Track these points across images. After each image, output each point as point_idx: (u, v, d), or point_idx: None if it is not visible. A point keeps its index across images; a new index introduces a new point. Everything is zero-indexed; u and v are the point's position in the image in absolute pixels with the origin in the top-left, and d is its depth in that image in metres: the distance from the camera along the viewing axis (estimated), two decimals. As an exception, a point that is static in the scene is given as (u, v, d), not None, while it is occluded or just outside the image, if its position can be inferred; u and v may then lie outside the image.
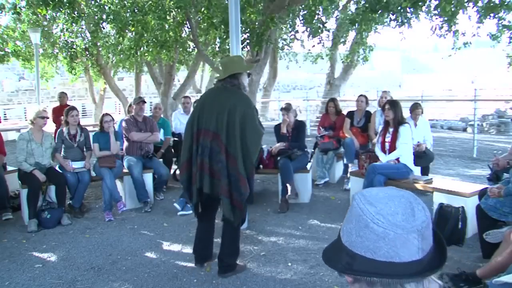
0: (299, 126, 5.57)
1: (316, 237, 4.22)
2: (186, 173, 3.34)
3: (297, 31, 10.87)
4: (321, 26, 9.53)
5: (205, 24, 9.04)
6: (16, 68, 23.76)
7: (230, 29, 4.33)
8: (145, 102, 5.97)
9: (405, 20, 8.73)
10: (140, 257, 3.84)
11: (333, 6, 10.60)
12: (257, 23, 8.19)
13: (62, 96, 9.13)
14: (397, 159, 4.68)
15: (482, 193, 3.71)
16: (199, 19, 9.45)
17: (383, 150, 4.79)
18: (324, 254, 0.99)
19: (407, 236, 0.86)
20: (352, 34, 12.47)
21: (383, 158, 4.74)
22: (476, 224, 3.68)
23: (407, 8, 7.79)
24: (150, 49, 9.58)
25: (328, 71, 14.99)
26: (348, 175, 5.80)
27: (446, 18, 8.25)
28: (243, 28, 7.82)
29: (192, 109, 6.70)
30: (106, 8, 9.32)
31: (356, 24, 9.45)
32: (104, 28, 11.49)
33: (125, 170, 5.44)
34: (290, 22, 10.36)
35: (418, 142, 5.18)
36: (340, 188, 5.98)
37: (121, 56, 12.52)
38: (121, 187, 5.45)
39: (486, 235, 3.12)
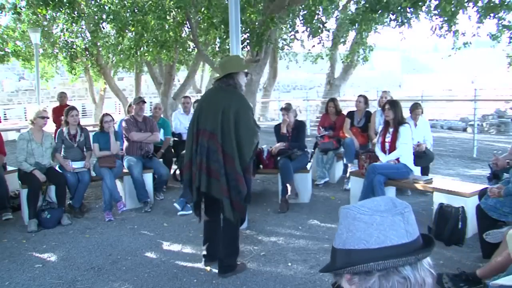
0: (299, 126, 5.57)
1: (316, 237, 4.22)
2: (188, 173, 3.41)
3: (297, 31, 10.86)
4: (321, 26, 9.52)
5: (205, 24, 9.04)
6: (16, 68, 23.76)
7: (230, 29, 4.33)
8: (145, 102, 5.97)
9: (405, 20, 8.73)
10: (140, 257, 3.84)
11: (333, 6, 10.59)
12: (257, 23, 8.19)
13: (62, 96, 9.13)
14: (397, 159, 4.68)
15: (482, 193, 3.71)
16: (199, 19, 9.45)
17: (383, 150, 4.79)
18: (321, 271, 1.05)
19: (393, 218, 0.93)
20: (352, 34, 12.47)
21: (383, 158, 4.74)
22: (476, 224, 3.68)
23: (407, 8, 7.79)
24: (150, 49, 9.58)
25: (328, 71, 14.99)
26: (348, 175, 5.80)
27: (446, 18, 8.24)
28: (243, 28, 7.82)
29: (192, 109, 6.72)
30: (106, 8, 9.31)
31: (356, 24, 9.44)
32: (104, 28, 11.49)
33: (125, 170, 5.44)
34: (290, 22, 10.35)
35: (418, 142, 5.18)
36: (340, 188, 5.98)
37: (121, 56, 12.52)
38: (121, 187, 5.45)
39: (486, 235, 3.12)
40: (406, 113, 5.13)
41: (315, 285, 3.21)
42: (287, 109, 5.51)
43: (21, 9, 10.35)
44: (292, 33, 11.14)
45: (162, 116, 6.85)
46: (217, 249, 3.50)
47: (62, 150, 5.18)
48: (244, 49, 8.23)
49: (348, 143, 5.89)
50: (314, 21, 9.45)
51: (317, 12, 9.54)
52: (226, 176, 3.16)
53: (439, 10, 7.83)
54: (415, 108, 5.57)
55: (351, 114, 6.27)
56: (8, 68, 23.55)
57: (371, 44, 12.80)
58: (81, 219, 4.98)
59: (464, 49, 9.38)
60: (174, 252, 3.96)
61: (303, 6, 9.30)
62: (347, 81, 15.09)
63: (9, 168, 5.64)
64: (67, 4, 8.63)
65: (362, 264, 0.91)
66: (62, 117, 5.41)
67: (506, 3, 7.52)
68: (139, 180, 5.31)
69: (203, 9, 8.59)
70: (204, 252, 3.60)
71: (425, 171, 5.38)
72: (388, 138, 4.75)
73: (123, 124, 5.75)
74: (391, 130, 4.72)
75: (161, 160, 6.06)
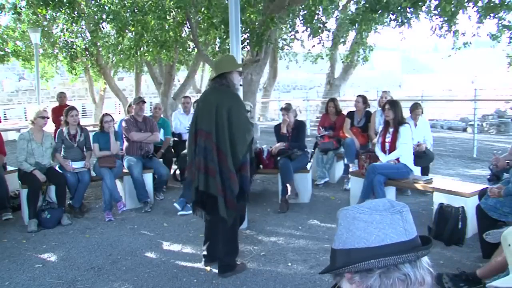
0: (299, 126, 5.57)
1: (316, 237, 4.22)
2: (190, 174, 3.44)
3: (297, 31, 10.86)
4: (321, 26, 9.52)
5: (205, 24, 9.03)
6: (16, 68, 23.74)
7: (230, 29, 4.33)
8: (145, 102, 5.98)
9: (405, 20, 8.72)
10: (140, 257, 3.84)
11: (333, 6, 10.59)
12: (257, 23, 8.19)
13: (62, 96, 9.12)
14: (397, 159, 4.68)
15: (482, 193, 3.71)
16: (199, 19, 9.45)
17: (383, 150, 4.79)
18: (321, 272, 1.08)
19: (392, 216, 0.95)
20: (352, 34, 12.47)
21: (383, 158, 4.74)
22: (476, 224, 3.68)
23: (407, 8, 7.79)
24: (150, 49, 9.58)
25: (328, 71, 14.98)
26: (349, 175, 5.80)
27: (446, 18, 8.24)
28: (243, 28, 7.82)
29: (192, 109, 6.72)
30: (106, 8, 9.30)
31: (356, 24, 9.44)
32: (104, 28, 11.48)
33: (125, 170, 5.44)
34: (290, 22, 10.35)
35: (418, 142, 5.18)
36: (340, 188, 5.98)
37: (121, 56, 12.50)
38: (121, 187, 5.45)
39: (486, 235, 3.11)
40: (406, 113, 5.13)
41: (315, 285, 3.21)
42: (287, 109, 5.51)
43: (21, 9, 10.34)
44: (292, 33, 11.14)
45: (162, 116, 6.86)
46: (217, 249, 3.50)
47: (62, 150, 5.18)
48: (244, 49, 8.23)
49: (349, 143, 5.89)
50: (314, 21, 9.45)
51: (317, 12, 9.54)
52: (221, 174, 3.21)
53: (439, 10, 7.83)
54: (415, 108, 5.57)
55: (351, 114, 6.27)
56: (8, 68, 23.53)
57: (371, 44, 12.80)
58: (81, 219, 4.98)
59: (464, 49, 9.37)
60: (174, 252, 3.96)
61: (303, 6, 9.30)
62: (347, 81, 15.09)
63: (9, 168, 5.64)
64: (67, 4, 8.63)
65: (363, 262, 0.92)
66: (62, 117, 5.41)
67: (506, 3, 7.52)
68: (139, 180, 5.31)
69: (203, 9, 8.59)
70: (204, 252, 3.60)
71: (425, 171, 5.38)
72: (388, 138, 4.75)
73: (123, 124, 5.75)
74: (391, 130, 4.72)
75: (161, 160, 6.06)
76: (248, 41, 8.06)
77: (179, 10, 8.46)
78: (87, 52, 13.98)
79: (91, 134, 5.53)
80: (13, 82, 23.46)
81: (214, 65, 3.56)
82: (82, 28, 13.20)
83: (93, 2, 10.23)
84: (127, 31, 9.55)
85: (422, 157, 5.14)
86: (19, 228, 4.71)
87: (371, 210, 0.96)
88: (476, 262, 3.47)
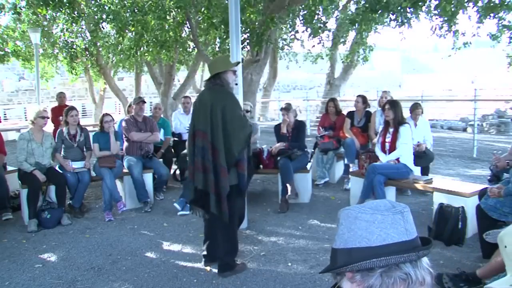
0: (299, 126, 5.57)
1: (316, 237, 4.22)
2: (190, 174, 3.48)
3: (297, 31, 10.85)
4: (321, 26, 9.52)
5: (205, 24, 9.03)
6: (16, 68, 23.72)
7: (230, 29, 4.33)
8: (145, 102, 5.98)
9: (405, 20, 8.72)
10: (140, 257, 3.84)
11: (333, 6, 10.59)
12: (257, 23, 8.18)
13: (61, 96, 9.11)
14: (397, 159, 4.68)
15: (482, 193, 3.71)
16: (199, 19, 9.44)
17: (383, 150, 4.79)
18: (322, 272, 1.08)
19: (393, 216, 0.96)
20: (352, 34, 12.46)
21: (383, 158, 4.74)
22: (476, 224, 3.68)
23: (407, 8, 7.78)
24: (150, 49, 9.58)
25: (328, 71, 14.98)
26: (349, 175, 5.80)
27: (446, 18, 8.24)
28: (243, 28, 7.82)
29: (192, 109, 6.72)
30: (106, 8, 9.30)
31: (356, 24, 9.43)
32: (104, 28, 11.48)
33: (125, 170, 5.44)
34: (290, 22, 10.35)
35: (418, 142, 5.18)
36: (340, 188, 5.98)
37: (121, 56, 12.50)
38: (121, 187, 5.45)
39: (486, 235, 3.12)
40: (406, 113, 5.13)
41: (315, 285, 3.21)
42: (287, 109, 5.51)
43: (21, 9, 10.34)
44: (292, 33, 11.13)
45: (162, 116, 6.86)
46: (217, 249, 3.51)
47: (62, 150, 5.18)
48: (244, 49, 8.23)
49: (349, 143, 5.89)
50: (314, 21, 9.45)
51: (317, 12, 9.54)
52: (215, 172, 3.24)
53: (439, 10, 7.82)
54: (415, 108, 5.57)
55: (351, 114, 6.27)
56: (8, 68, 23.52)
57: (371, 44, 12.80)
58: (81, 219, 4.98)
59: (464, 49, 9.37)
60: (174, 252, 3.96)
61: (303, 6, 9.29)
62: (347, 81, 15.08)
63: (9, 168, 5.64)
64: (67, 4, 8.63)
65: (364, 261, 0.93)
66: (61, 117, 5.41)
67: (506, 3, 7.51)
68: (139, 180, 5.31)
69: (203, 9, 8.59)
70: (204, 252, 3.60)
71: (425, 171, 5.38)
72: (388, 138, 4.75)
73: (123, 124, 5.75)
74: (391, 130, 4.72)
75: (161, 160, 6.06)
76: (248, 41, 8.06)
77: (179, 10, 8.45)
78: (87, 52, 13.97)
79: (91, 134, 5.53)
80: (13, 82, 23.45)
81: (209, 66, 3.60)
82: (82, 28, 13.19)
83: (93, 2, 10.23)
84: (127, 31, 9.55)
85: (422, 157, 5.14)
86: (19, 228, 4.71)
87: (373, 210, 0.97)
88: (476, 262, 3.47)
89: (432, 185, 4.45)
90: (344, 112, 6.54)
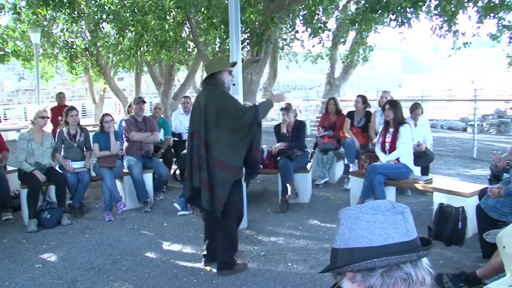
0: (299, 126, 5.57)
1: (316, 237, 4.22)
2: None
3: (297, 31, 10.86)
4: (321, 26, 9.52)
5: (205, 24, 9.03)
6: (16, 68, 23.69)
7: (230, 29, 4.33)
8: (145, 102, 5.98)
9: (405, 20, 8.72)
10: (140, 257, 3.84)
11: (333, 6, 10.59)
12: (257, 23, 8.19)
13: (60, 96, 9.11)
14: (397, 159, 4.68)
15: (482, 193, 3.71)
16: (199, 19, 9.45)
17: (383, 150, 4.79)
18: (322, 271, 1.08)
19: (394, 216, 0.96)
20: (352, 34, 12.46)
21: (383, 158, 4.74)
22: (476, 224, 3.68)
23: (407, 8, 7.78)
24: (150, 49, 9.58)
25: (328, 71, 14.97)
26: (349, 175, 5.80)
27: (446, 18, 8.24)
28: (243, 28, 7.82)
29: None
30: (106, 8, 9.30)
31: (356, 24, 9.44)
32: (104, 28, 11.48)
33: (125, 170, 5.44)
34: (290, 22, 10.35)
35: (418, 142, 5.18)
36: (340, 188, 5.98)
37: (121, 56, 12.50)
38: (121, 187, 5.45)
39: (486, 235, 3.12)
40: (406, 113, 5.13)
41: (315, 285, 3.21)
42: (287, 109, 5.51)
43: (21, 9, 10.34)
44: (292, 33, 11.14)
45: (162, 116, 6.86)
46: (217, 249, 3.51)
47: (62, 150, 5.18)
48: (244, 49, 8.23)
49: (349, 143, 5.89)
50: (314, 21, 9.45)
51: (317, 12, 9.54)
52: (208, 169, 3.27)
53: (439, 10, 7.83)
54: (415, 108, 5.57)
55: (351, 114, 6.26)
56: (8, 68, 23.49)
57: (371, 44, 12.79)
58: (81, 219, 4.98)
59: (464, 49, 9.36)
60: (174, 252, 3.96)
61: (303, 6, 9.29)
62: (347, 81, 15.07)
63: (9, 168, 5.63)
64: (67, 4, 8.64)
65: (365, 261, 0.93)
66: (60, 117, 5.41)
67: (506, 3, 7.52)
68: (139, 180, 5.31)
69: (203, 9, 8.59)
70: (204, 252, 3.60)
71: (425, 171, 5.38)
72: (388, 138, 4.75)
73: (123, 124, 5.75)
74: (391, 130, 4.72)
75: (161, 160, 6.06)
76: (248, 41, 8.06)
77: (179, 10, 8.46)
78: (87, 52, 13.96)
79: (91, 134, 5.53)
80: (13, 82, 23.42)
81: (205, 67, 3.64)
82: (82, 28, 13.18)
83: (93, 2, 10.23)
84: (127, 31, 9.55)
85: (422, 157, 5.14)
86: (19, 228, 4.71)
87: (374, 210, 0.97)
88: (476, 262, 3.47)
89: (432, 185, 4.45)
90: (344, 112, 6.54)
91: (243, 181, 3.65)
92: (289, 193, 5.06)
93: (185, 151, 5.17)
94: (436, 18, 8.77)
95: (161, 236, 4.39)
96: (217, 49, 10.55)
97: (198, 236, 4.22)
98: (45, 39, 13.95)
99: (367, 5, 8.17)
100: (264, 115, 3.42)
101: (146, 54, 10.07)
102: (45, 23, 13.58)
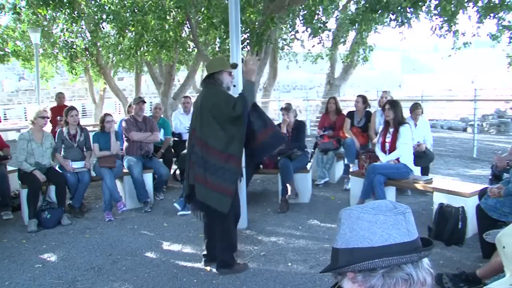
0: (299, 126, 5.58)
1: (316, 237, 4.22)
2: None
3: (297, 31, 10.86)
4: (322, 26, 9.51)
5: (205, 24, 9.03)
6: (16, 68, 23.70)
7: (230, 29, 4.33)
8: (145, 102, 5.98)
9: (405, 20, 8.71)
10: (140, 257, 3.84)
11: (333, 6, 10.58)
12: (257, 23, 8.19)
13: (60, 96, 9.10)
14: (397, 159, 4.68)
15: (482, 193, 3.71)
16: (199, 19, 9.44)
17: (383, 150, 4.79)
18: (323, 271, 1.07)
19: (395, 217, 0.96)
20: (352, 34, 12.45)
21: (383, 158, 4.74)
22: (476, 224, 3.68)
23: (407, 8, 7.78)
24: (150, 49, 9.57)
25: (328, 71, 14.96)
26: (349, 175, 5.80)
27: (446, 18, 8.23)
28: (243, 28, 7.82)
29: (192, 109, 6.72)
30: (106, 8, 9.30)
31: (356, 24, 9.43)
32: (104, 28, 11.47)
33: (125, 170, 5.44)
34: (290, 22, 10.35)
35: (418, 142, 5.18)
36: (340, 188, 5.98)
37: (121, 56, 12.49)
38: (121, 187, 5.45)
39: (486, 235, 3.12)
40: (406, 113, 5.13)
41: (315, 285, 3.21)
42: (287, 109, 5.51)
43: (21, 9, 10.33)
44: (292, 33, 11.13)
45: (162, 116, 6.86)
46: (216, 248, 3.51)
47: (62, 150, 5.18)
48: (244, 49, 8.22)
49: (349, 144, 5.89)
50: (314, 21, 9.45)
51: (317, 12, 9.54)
52: (204, 165, 3.28)
53: (439, 10, 7.83)
54: (415, 108, 5.57)
55: (351, 114, 6.27)
56: (8, 68, 23.50)
57: (371, 44, 12.79)
58: (81, 219, 4.98)
59: (464, 49, 9.36)
60: (174, 252, 3.96)
61: (303, 6, 9.29)
62: (347, 81, 15.05)
63: (9, 168, 5.63)
64: (67, 4, 8.63)
65: (367, 261, 0.93)
66: (59, 117, 5.41)
67: (506, 3, 7.51)
68: (139, 180, 5.31)
69: (203, 9, 8.59)
70: (204, 252, 3.61)
71: (425, 171, 5.38)
72: (388, 138, 4.75)
73: (123, 124, 5.76)
74: (391, 130, 4.72)
75: (161, 160, 6.06)
76: (248, 41, 8.06)
77: (179, 10, 8.45)
78: (87, 52, 13.96)
79: (91, 134, 5.53)
80: (13, 82, 23.43)
81: (206, 67, 3.67)
82: (82, 28, 13.17)
83: (93, 2, 10.22)
84: (127, 31, 9.54)
85: (422, 157, 5.14)
86: (19, 228, 4.71)
87: (375, 211, 0.97)
88: (476, 262, 3.47)
89: (432, 185, 4.45)
90: (344, 112, 6.54)
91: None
92: (289, 193, 5.06)
93: (185, 151, 5.18)
94: (436, 18, 8.77)
95: (161, 236, 4.39)
96: (217, 49, 10.55)
97: (198, 236, 4.23)
98: (45, 39, 13.94)
99: (367, 5, 8.16)
100: (252, 98, 3.41)
101: (146, 54, 10.06)
102: (45, 23, 13.57)
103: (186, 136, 5.97)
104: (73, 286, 3.30)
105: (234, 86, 3.92)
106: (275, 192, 5.66)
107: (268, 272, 3.45)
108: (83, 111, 19.77)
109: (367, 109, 6.27)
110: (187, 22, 9.18)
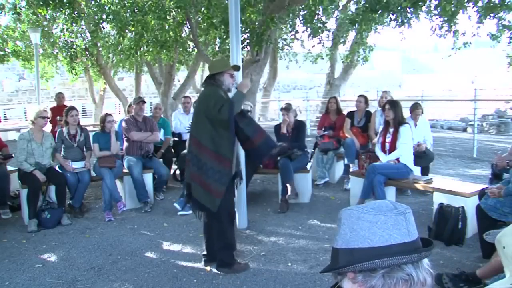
0: (299, 126, 5.57)
1: (316, 237, 4.22)
2: None
3: (297, 31, 10.86)
4: (322, 26, 9.52)
5: (205, 24, 9.03)
6: (16, 68, 23.70)
7: (230, 29, 4.33)
8: (145, 102, 5.98)
9: (405, 20, 8.72)
10: (140, 257, 3.84)
11: (333, 6, 10.60)
12: (257, 23, 8.19)
13: (59, 96, 9.09)
14: (397, 159, 4.68)
15: (482, 193, 3.71)
16: (199, 19, 9.45)
17: (383, 150, 4.79)
18: (323, 271, 1.07)
19: (396, 217, 0.96)
20: (352, 34, 12.47)
21: (383, 158, 4.74)
22: (476, 224, 3.68)
23: (407, 8, 7.77)
24: (150, 49, 9.58)
25: (328, 71, 14.97)
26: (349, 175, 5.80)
27: (446, 18, 8.24)
28: (243, 28, 7.82)
29: (192, 109, 6.72)
30: (106, 8, 9.31)
31: (356, 24, 9.44)
32: (104, 28, 11.47)
33: (125, 170, 5.44)
34: (290, 22, 10.35)
35: (418, 142, 5.18)
36: (340, 188, 5.98)
37: (121, 56, 12.49)
38: (121, 187, 5.45)
39: (486, 235, 3.12)
40: (406, 113, 5.13)
41: (315, 285, 3.21)
42: (287, 109, 5.51)
43: (21, 9, 10.34)
44: (292, 33, 11.14)
45: (162, 116, 6.86)
46: (214, 248, 3.52)
47: (62, 150, 5.18)
48: (244, 49, 8.23)
49: (349, 144, 5.89)
50: (314, 21, 9.45)
51: (317, 12, 9.55)
52: (198, 163, 3.32)
53: (439, 10, 7.82)
54: (415, 108, 5.57)
55: (351, 114, 6.27)
56: (8, 68, 23.50)
57: (371, 44, 12.80)
58: (81, 219, 4.98)
59: (464, 49, 9.37)
60: (174, 252, 3.96)
61: (303, 6, 9.30)
62: (347, 81, 15.08)
63: (9, 168, 5.63)
64: (67, 4, 8.63)
65: (367, 262, 0.93)
66: (58, 117, 5.41)
67: (506, 3, 7.51)
68: (139, 180, 5.31)
69: (203, 9, 8.59)
70: (204, 252, 3.61)
71: (425, 171, 5.38)
72: (388, 138, 4.75)
73: (123, 124, 5.76)
74: (391, 130, 4.72)
75: (161, 160, 6.06)
76: (248, 41, 8.06)
77: (179, 10, 8.45)
78: (87, 52, 13.96)
79: (91, 134, 5.53)
80: (13, 82, 23.43)
81: (208, 68, 3.72)
82: (82, 28, 13.18)
83: (93, 2, 10.23)
84: (127, 31, 9.55)
85: (422, 157, 5.14)
86: (19, 228, 4.71)
87: (376, 211, 0.97)
88: (476, 262, 3.47)
89: (432, 185, 4.45)
90: (344, 112, 6.54)
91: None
92: (289, 193, 5.06)
93: (185, 151, 5.19)
94: (436, 18, 8.77)
95: (161, 236, 4.39)
96: (217, 49, 10.56)
97: (198, 236, 4.22)
98: (45, 39, 13.94)
99: (367, 5, 8.16)
100: (238, 107, 3.41)
101: (146, 54, 10.07)
102: (45, 23, 13.58)
103: (186, 136, 5.98)
104: (73, 286, 3.30)
105: (236, 88, 3.93)
106: (275, 192, 5.66)
107: (268, 272, 3.45)
108: (83, 111, 19.76)
109: (367, 109, 6.27)
110: (187, 22, 9.18)
